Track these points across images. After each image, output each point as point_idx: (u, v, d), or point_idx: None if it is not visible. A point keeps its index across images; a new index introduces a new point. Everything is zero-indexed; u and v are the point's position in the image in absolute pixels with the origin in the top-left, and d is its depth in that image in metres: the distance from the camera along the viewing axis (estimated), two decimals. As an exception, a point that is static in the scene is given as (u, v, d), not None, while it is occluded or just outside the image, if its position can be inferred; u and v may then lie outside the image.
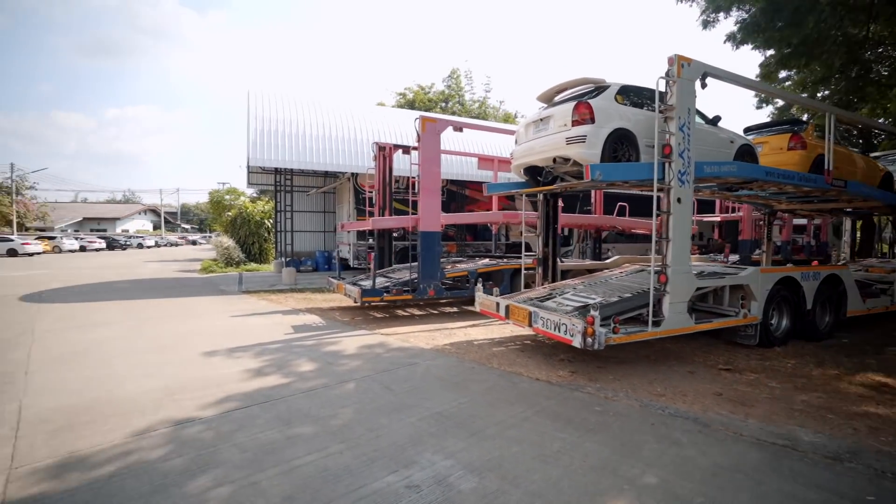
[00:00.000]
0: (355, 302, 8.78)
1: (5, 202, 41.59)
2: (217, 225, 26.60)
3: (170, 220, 77.35)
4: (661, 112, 5.33)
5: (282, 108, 14.23)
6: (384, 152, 11.02)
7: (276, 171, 19.10)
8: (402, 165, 12.91)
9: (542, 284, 7.88)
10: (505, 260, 11.17)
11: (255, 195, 28.54)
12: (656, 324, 5.33)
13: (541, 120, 6.38)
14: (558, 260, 8.48)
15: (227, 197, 27.33)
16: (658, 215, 5.37)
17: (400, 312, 9.59)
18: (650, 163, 5.40)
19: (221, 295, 11.97)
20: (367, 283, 9.07)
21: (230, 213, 23.03)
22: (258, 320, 8.46)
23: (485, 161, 12.88)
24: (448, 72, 33.03)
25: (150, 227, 70.68)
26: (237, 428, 3.81)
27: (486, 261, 10.97)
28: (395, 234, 11.23)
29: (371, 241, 16.73)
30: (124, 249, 45.45)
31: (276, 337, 7.07)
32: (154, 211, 72.93)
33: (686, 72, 5.44)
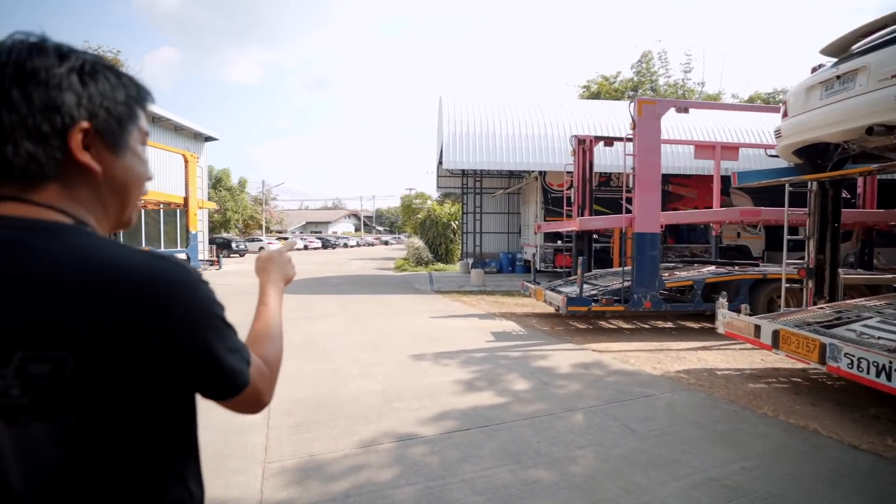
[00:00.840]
0: (557, 310, 7.98)
1: (258, 210, 52.72)
2: (407, 227, 28.87)
3: (367, 223, 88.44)
4: None
5: (472, 111, 14.31)
6: (584, 146, 9.97)
7: (463, 173, 19.56)
8: (604, 160, 11.66)
9: (817, 303, 5.88)
10: (737, 268, 9.03)
11: (439, 198, 30.13)
12: None
13: (837, 78, 4.61)
14: (838, 271, 6.27)
15: (417, 201, 29.39)
16: None
17: (604, 324, 8.45)
18: None
19: (417, 294, 12.44)
20: (570, 290, 8.17)
21: (419, 216, 24.60)
22: (456, 323, 8.29)
23: (704, 149, 10.77)
24: (638, 56, 29.86)
25: (352, 229, 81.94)
26: (462, 457, 3.33)
27: (712, 268, 9.01)
28: (595, 236, 10.08)
29: (560, 242, 15.79)
30: (334, 248, 53.27)
31: (479, 344, 6.69)
32: (355, 215, 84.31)
33: None
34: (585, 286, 8.57)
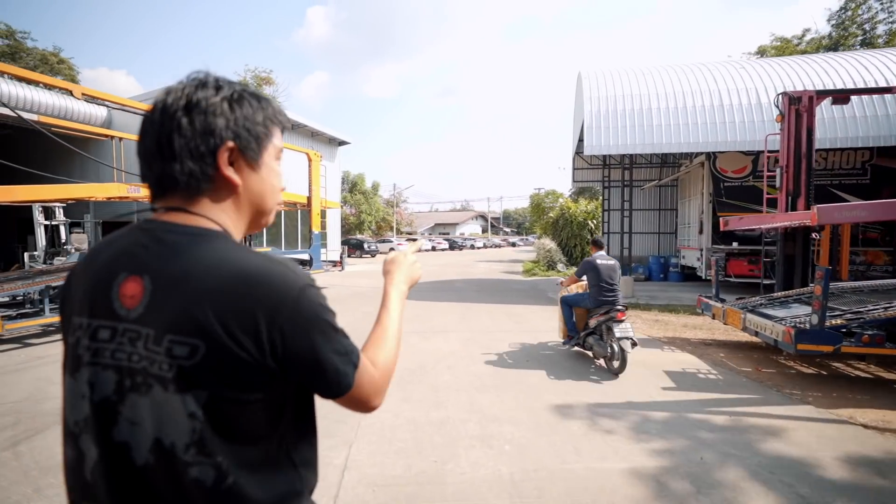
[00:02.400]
0: (769, 345, 5.44)
1: (390, 213, 55.06)
2: (537, 227, 26.72)
3: (494, 225, 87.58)
4: None
5: (619, 84, 11.80)
6: (799, 105, 7.02)
7: (604, 163, 16.91)
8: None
9: None
10: None
11: (573, 195, 27.40)
12: None
13: None
14: None
15: (547, 199, 27.10)
16: None
17: (837, 366, 5.60)
18: None
19: (550, 305, 10.44)
20: (787, 314, 5.51)
21: (551, 215, 22.34)
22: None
23: None
24: (840, 2, 23.36)
25: (479, 230, 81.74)
26: None
27: None
28: (815, 236, 7.04)
29: (735, 245, 12.38)
30: (461, 249, 53.12)
31: (652, 393, 4.56)
32: (483, 216, 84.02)
33: None
34: (805, 309, 5.78)
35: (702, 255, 12.90)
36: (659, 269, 16.04)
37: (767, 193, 7.48)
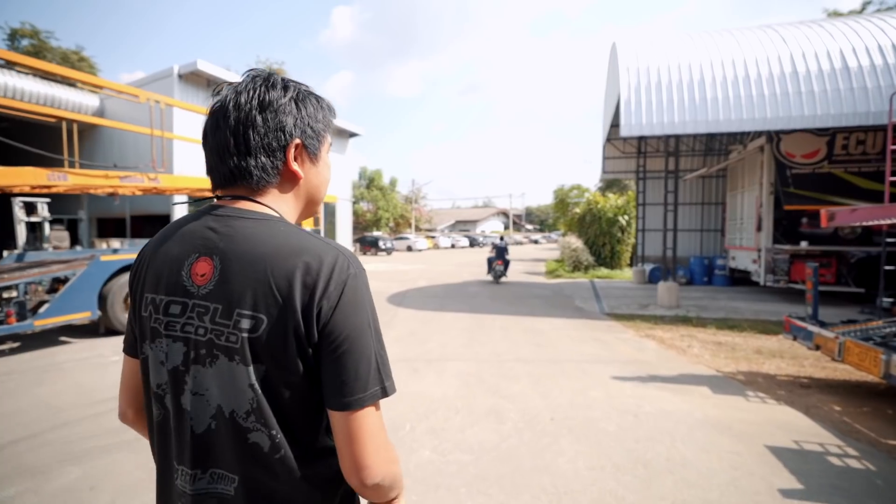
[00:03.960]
0: None
1: (408, 209, 53.49)
2: (561, 224, 24.70)
3: (516, 222, 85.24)
4: None
5: (663, 53, 9.81)
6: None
7: (639, 151, 14.87)
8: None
9: None
10: None
11: (600, 188, 25.26)
12: None
13: None
14: None
15: (573, 193, 25.04)
16: None
17: None
18: None
19: (580, 317, 8.60)
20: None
21: (577, 210, 20.33)
22: (673, 403, 4.32)
23: None
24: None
25: (501, 227, 79.58)
26: None
27: None
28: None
29: (804, 244, 10.27)
30: (482, 247, 51.27)
31: (762, 492, 2.75)
32: (504, 213, 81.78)
33: None
34: None
35: (760, 256, 10.82)
36: (702, 272, 13.97)
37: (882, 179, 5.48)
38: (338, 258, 0.76)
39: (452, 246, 47.18)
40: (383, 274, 17.65)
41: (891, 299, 9.95)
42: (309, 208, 0.91)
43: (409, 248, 39.01)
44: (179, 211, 14.46)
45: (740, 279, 13.05)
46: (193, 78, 15.46)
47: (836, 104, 8.39)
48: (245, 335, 0.73)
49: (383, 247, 33.26)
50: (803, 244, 10.22)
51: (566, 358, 5.76)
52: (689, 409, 4.11)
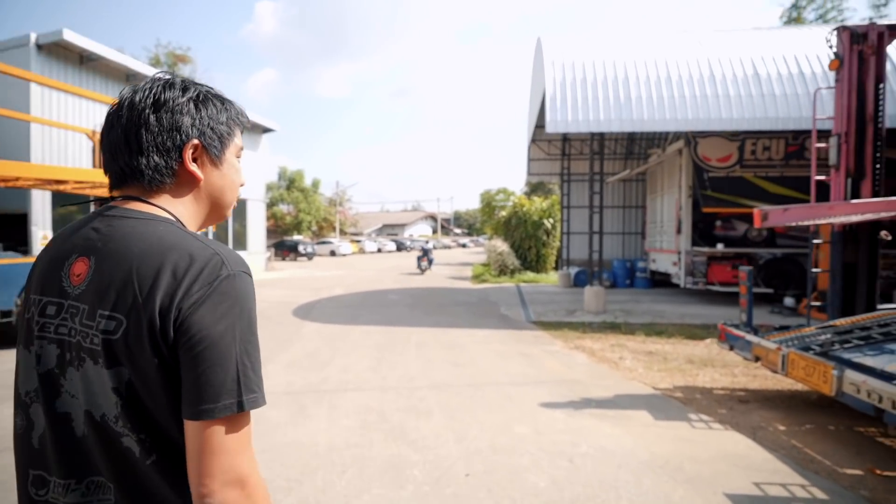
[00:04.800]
0: (875, 416, 3.14)
1: (332, 212, 51.15)
2: (487, 227, 24.40)
3: (444, 226, 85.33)
4: None
5: (588, 50, 9.48)
6: (864, 45, 4.82)
7: (563, 153, 14.71)
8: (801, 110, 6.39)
9: None
10: None
11: (526, 191, 25.34)
12: None
13: None
14: None
15: (499, 197, 24.85)
16: None
17: None
18: None
19: (506, 327, 7.90)
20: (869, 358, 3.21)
21: (503, 214, 20.02)
22: (619, 440, 3.59)
23: None
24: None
25: (429, 231, 79.15)
26: None
27: None
28: (886, 236, 4.87)
29: (720, 247, 10.40)
30: (409, 251, 50.29)
31: None
32: (433, 217, 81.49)
33: None
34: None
35: (680, 258, 10.86)
36: (625, 275, 14.03)
37: (817, 175, 5.25)
38: (212, 258, 0.72)
39: (379, 250, 45.77)
40: (298, 281, 16.09)
41: (793, 298, 10.41)
42: (215, 212, 0.87)
43: (333, 253, 37.15)
44: (39, 209, 12.02)
45: (660, 281, 13.21)
46: (59, 51, 13.01)
47: (749, 109, 8.44)
48: (105, 337, 0.70)
49: (304, 251, 31.19)
50: (719, 246, 10.36)
51: (489, 380, 4.93)
52: (632, 445, 3.40)
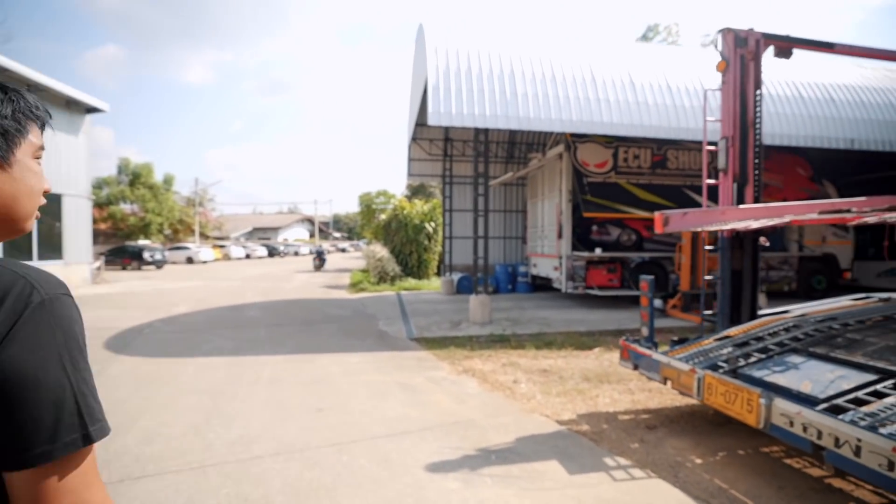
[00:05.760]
0: (811, 450, 2.69)
1: (190, 213, 44.91)
2: (367, 231, 23.08)
3: (323, 230, 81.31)
4: None
5: (474, 39, 8.83)
6: (745, 50, 4.68)
7: (445, 153, 14.08)
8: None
9: None
10: None
11: (408, 195, 24.56)
12: None
13: None
14: None
15: (378, 199, 23.67)
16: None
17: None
18: None
19: (383, 349, 6.77)
20: (824, 384, 2.82)
21: (382, 217, 18.89)
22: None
23: None
24: (643, 30, 25.26)
25: (306, 235, 74.59)
26: None
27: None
28: (765, 243, 4.79)
29: (599, 251, 10.52)
30: (282, 257, 46.42)
31: None
32: (310, 220, 77.02)
33: None
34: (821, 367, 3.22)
35: (561, 263, 10.80)
36: (507, 280, 13.85)
37: (708, 178, 5.03)
38: (15, 284, 0.64)
39: (247, 256, 41.40)
40: (133, 297, 13.09)
41: (661, 300, 10.99)
42: (9, 225, 0.73)
43: (190, 260, 32.42)
44: None
45: (541, 286, 13.23)
46: None
47: (627, 115, 8.49)
48: None
49: (150, 259, 26.58)
50: (598, 251, 10.49)
51: (360, 433, 3.75)
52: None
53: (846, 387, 3.13)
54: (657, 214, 4.37)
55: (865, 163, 11.63)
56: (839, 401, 2.96)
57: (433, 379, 5.23)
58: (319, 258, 24.05)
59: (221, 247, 40.24)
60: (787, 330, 4.27)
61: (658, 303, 10.15)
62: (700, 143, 10.83)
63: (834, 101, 9.78)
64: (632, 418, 4.26)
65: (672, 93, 8.89)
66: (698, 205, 10.70)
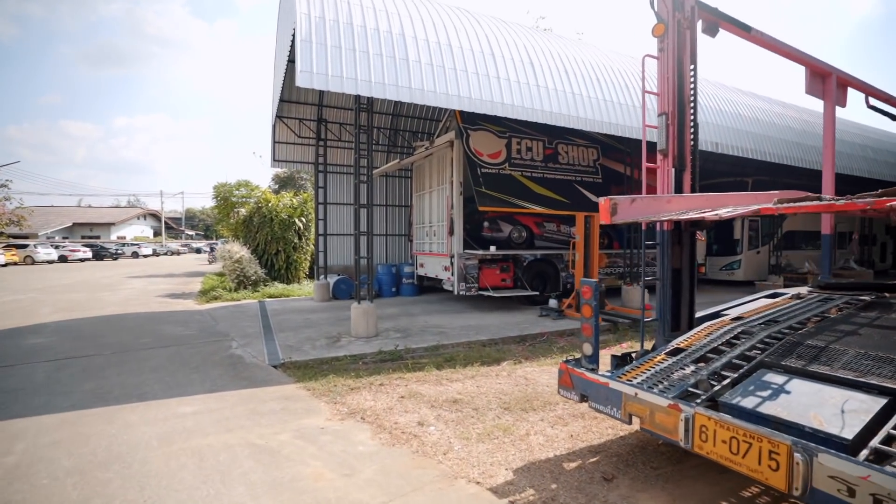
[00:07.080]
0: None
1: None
2: (224, 228, 19.71)
3: (172, 227, 70.89)
4: None
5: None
6: (682, 16, 3.99)
7: (318, 136, 12.16)
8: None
9: None
10: None
11: (273, 190, 21.67)
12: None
13: None
14: None
15: (238, 191, 20.42)
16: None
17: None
18: None
19: (235, 388, 4.91)
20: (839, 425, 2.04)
21: (243, 212, 16.10)
22: None
23: (816, 76, 5.84)
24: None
25: (150, 233, 64.10)
26: None
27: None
28: (701, 237, 4.17)
29: (493, 249, 9.71)
30: (115, 259, 38.75)
31: None
32: (155, 216, 66.35)
33: None
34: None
35: (452, 263, 9.77)
36: (391, 282, 12.47)
37: (644, 163, 4.25)
38: None
39: (63, 259, 33.58)
40: None
41: (556, 300, 10.62)
42: None
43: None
44: None
45: (427, 287, 12.13)
46: None
47: (528, 98, 7.73)
48: None
49: None
50: (492, 249, 9.68)
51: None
52: None
53: (865, 419, 2.41)
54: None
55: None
56: (874, 442, 2.21)
57: (306, 433, 3.65)
58: (212, 254, 26.13)
59: (20, 247, 31.91)
60: (737, 338, 3.64)
61: (553, 302, 9.74)
62: (588, 139, 10.91)
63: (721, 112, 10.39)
64: (579, 465, 3.24)
65: (570, 79, 8.38)
66: (589, 200, 10.59)
